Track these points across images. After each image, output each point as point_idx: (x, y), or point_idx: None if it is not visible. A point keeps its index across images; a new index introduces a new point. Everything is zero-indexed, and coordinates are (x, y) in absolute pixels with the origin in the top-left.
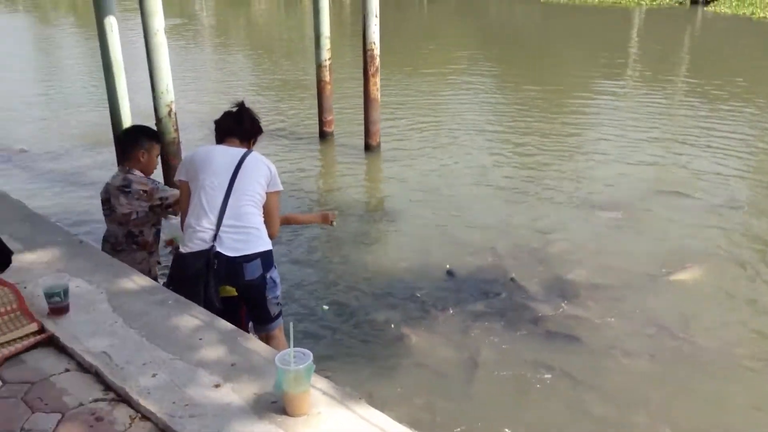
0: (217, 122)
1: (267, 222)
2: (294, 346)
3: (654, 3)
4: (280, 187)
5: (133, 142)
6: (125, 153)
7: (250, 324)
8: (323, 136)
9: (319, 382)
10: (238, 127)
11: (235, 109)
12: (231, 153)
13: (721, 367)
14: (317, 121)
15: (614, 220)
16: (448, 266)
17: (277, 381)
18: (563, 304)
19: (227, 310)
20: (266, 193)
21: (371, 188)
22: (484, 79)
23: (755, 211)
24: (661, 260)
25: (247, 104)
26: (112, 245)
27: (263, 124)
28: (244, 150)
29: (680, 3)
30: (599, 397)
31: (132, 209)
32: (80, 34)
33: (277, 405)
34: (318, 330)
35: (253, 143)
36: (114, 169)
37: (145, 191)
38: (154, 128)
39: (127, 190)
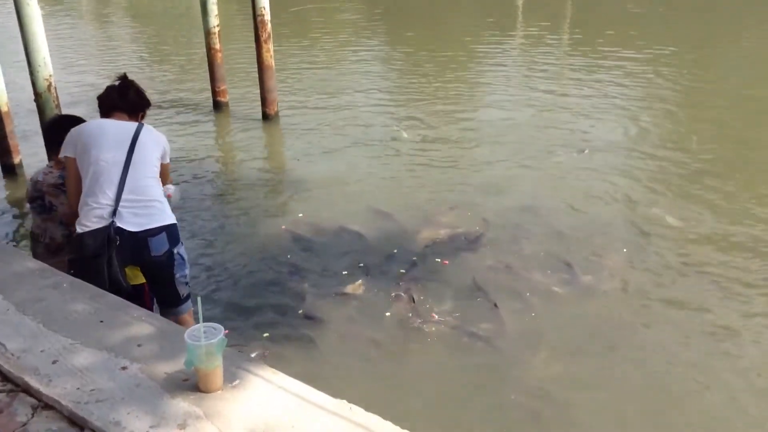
0: (101, 97)
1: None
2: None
3: None
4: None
5: (62, 137)
6: (53, 148)
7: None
8: (217, 106)
9: (234, 356)
10: (124, 101)
11: (118, 83)
12: (124, 127)
13: None
14: (210, 92)
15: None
16: (395, 250)
17: (188, 358)
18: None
19: (132, 300)
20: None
21: (272, 158)
22: (375, 45)
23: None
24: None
25: (131, 77)
26: (47, 246)
27: (154, 96)
28: (136, 123)
29: None
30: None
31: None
32: None
33: (189, 383)
34: (229, 310)
35: (142, 117)
36: None
37: None
38: (80, 116)
39: (64, 188)
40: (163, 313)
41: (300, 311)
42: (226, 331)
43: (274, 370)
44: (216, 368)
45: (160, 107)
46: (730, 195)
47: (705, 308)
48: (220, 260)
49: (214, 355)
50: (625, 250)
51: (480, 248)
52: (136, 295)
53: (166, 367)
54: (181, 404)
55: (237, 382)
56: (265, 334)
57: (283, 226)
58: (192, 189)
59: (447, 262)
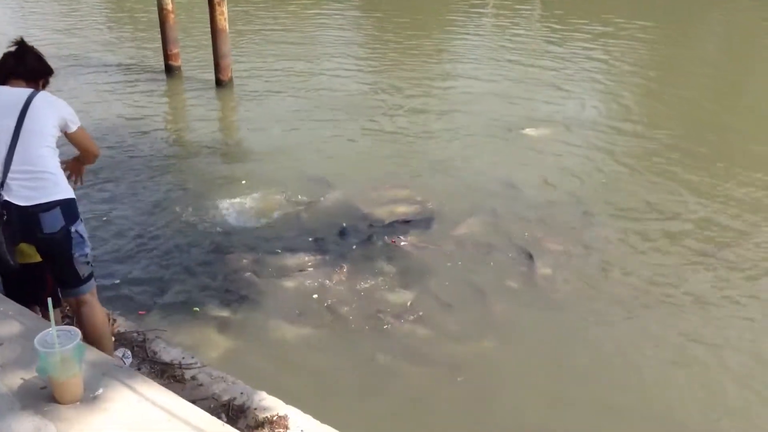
0: None
1: (85, 155)
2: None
3: None
4: (79, 122)
5: None
6: None
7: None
8: (169, 70)
9: (101, 362)
10: (21, 66)
11: (14, 48)
12: (15, 93)
13: None
14: (162, 55)
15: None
16: (344, 224)
17: (41, 365)
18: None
19: (30, 278)
20: (69, 134)
21: (222, 126)
22: (341, 8)
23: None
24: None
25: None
26: None
27: (103, 56)
28: (30, 90)
29: None
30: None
31: None
32: None
33: (47, 391)
34: (157, 286)
35: (44, 85)
36: None
37: None
38: None
39: None
40: (64, 294)
41: (229, 290)
42: (142, 312)
43: (144, 378)
44: (73, 377)
45: (110, 69)
46: (704, 172)
47: (669, 288)
48: (153, 233)
49: (71, 362)
50: (589, 232)
51: (433, 227)
52: (35, 274)
53: (25, 373)
54: (32, 417)
55: (100, 391)
56: (195, 309)
57: (227, 199)
58: (134, 157)
59: (395, 241)
